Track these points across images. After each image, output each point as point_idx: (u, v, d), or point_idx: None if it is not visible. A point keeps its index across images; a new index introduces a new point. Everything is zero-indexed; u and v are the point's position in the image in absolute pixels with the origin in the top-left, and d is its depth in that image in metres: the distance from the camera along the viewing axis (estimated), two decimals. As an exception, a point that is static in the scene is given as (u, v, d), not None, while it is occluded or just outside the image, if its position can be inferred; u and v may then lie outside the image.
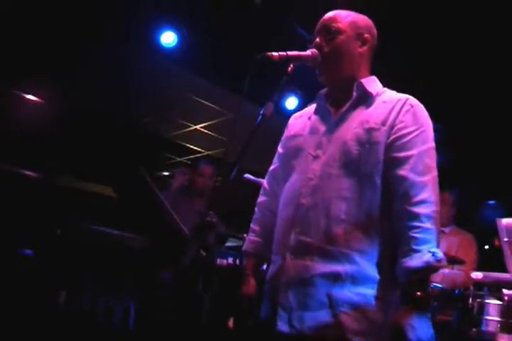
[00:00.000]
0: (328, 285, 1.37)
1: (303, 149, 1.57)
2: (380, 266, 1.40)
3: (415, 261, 1.31)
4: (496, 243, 3.53)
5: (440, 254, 1.32)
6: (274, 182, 1.71)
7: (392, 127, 1.46)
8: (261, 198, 1.75)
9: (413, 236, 1.33)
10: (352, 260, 1.38)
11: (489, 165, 4.86)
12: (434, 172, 1.42)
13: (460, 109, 4.23)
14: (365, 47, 1.61)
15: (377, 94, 1.56)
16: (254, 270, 1.69)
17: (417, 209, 1.35)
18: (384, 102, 1.52)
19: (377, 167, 1.44)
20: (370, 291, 1.37)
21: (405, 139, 1.44)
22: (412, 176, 1.39)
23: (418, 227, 1.33)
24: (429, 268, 1.31)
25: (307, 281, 1.39)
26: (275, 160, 1.75)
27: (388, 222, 1.41)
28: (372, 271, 1.39)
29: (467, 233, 3.38)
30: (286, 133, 1.73)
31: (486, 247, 4.30)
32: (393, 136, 1.45)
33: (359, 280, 1.37)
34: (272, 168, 1.75)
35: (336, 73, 1.59)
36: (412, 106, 1.49)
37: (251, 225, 1.74)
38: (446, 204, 3.36)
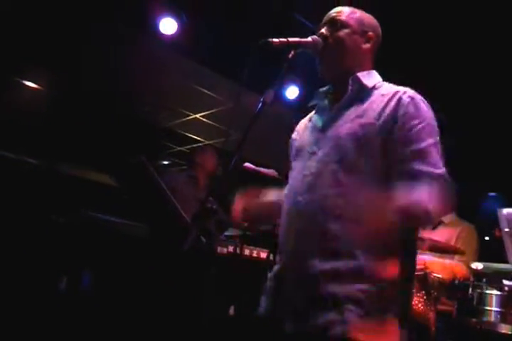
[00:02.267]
0: (331, 282, 1.33)
1: (302, 148, 1.57)
2: (381, 261, 1.36)
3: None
4: (497, 233, 3.52)
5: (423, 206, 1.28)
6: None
7: (388, 121, 1.41)
8: None
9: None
10: (353, 255, 1.34)
11: (491, 156, 4.84)
12: (441, 168, 1.37)
13: (460, 100, 4.20)
14: (368, 45, 1.61)
15: (375, 87, 1.54)
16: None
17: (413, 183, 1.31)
18: (382, 95, 1.49)
19: (374, 161, 1.39)
20: (371, 287, 1.32)
21: (409, 133, 1.39)
22: (422, 168, 1.35)
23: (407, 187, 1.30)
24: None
25: (310, 279, 1.36)
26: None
27: None
28: (374, 266, 1.34)
29: (467, 223, 3.34)
30: (292, 137, 1.73)
31: (487, 238, 4.29)
32: (397, 131, 1.40)
33: (360, 276, 1.33)
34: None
35: (336, 65, 1.58)
36: (412, 99, 1.44)
37: None
38: None
